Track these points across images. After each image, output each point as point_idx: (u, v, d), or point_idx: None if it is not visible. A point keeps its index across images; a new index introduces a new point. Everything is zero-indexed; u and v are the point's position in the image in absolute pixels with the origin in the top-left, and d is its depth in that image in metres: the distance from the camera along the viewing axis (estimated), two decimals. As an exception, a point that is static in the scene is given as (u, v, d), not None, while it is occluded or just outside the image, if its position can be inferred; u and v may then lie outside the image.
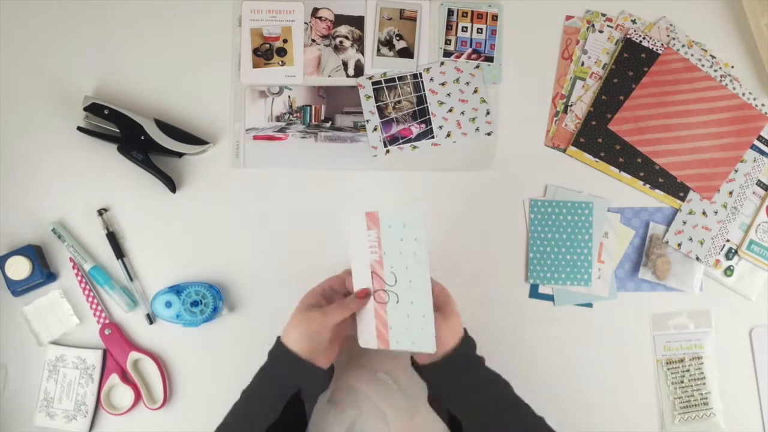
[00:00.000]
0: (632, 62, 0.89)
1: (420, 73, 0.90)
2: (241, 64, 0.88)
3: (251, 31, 0.88)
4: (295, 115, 0.88)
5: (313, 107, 0.89)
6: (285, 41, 0.88)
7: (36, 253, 0.82)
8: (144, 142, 0.84)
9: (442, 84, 0.89)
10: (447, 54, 0.90)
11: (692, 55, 0.89)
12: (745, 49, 0.91)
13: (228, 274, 0.86)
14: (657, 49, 0.89)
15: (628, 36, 0.90)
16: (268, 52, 0.88)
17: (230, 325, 0.85)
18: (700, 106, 0.89)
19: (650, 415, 0.86)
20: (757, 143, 0.89)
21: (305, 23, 0.89)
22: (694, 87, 0.89)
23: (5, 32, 0.88)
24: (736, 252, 0.88)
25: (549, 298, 0.87)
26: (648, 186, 0.88)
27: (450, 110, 0.89)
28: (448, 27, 0.90)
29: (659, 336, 0.87)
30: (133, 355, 0.83)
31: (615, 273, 0.87)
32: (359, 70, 0.89)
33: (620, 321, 0.87)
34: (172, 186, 0.85)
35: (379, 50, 0.89)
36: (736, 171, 0.88)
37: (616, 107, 0.89)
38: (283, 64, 0.88)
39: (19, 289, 0.82)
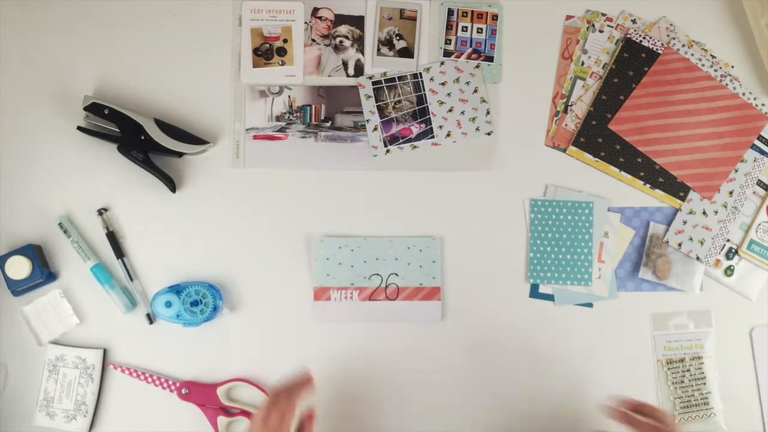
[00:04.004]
0: (632, 62, 0.89)
1: (420, 73, 0.90)
2: (241, 64, 0.88)
3: (251, 30, 0.88)
4: (295, 114, 0.88)
5: (313, 107, 0.89)
6: (285, 41, 0.88)
7: (36, 253, 0.82)
8: (144, 141, 0.83)
9: (442, 84, 0.89)
10: (447, 54, 0.90)
11: (692, 55, 0.89)
12: (745, 49, 0.91)
13: (228, 274, 0.86)
14: (657, 49, 0.89)
15: (628, 36, 0.90)
16: (268, 51, 0.88)
17: (231, 325, 0.85)
18: (701, 106, 0.89)
19: (650, 415, 0.86)
20: (757, 143, 0.89)
21: (305, 23, 0.89)
22: (694, 87, 0.89)
23: (5, 32, 0.88)
24: (736, 252, 0.88)
25: (549, 298, 0.87)
26: (648, 186, 0.88)
27: (450, 110, 0.89)
28: (448, 27, 0.90)
29: (659, 336, 0.87)
30: (221, 389, 0.82)
31: (615, 273, 0.87)
32: (359, 70, 0.89)
33: (620, 321, 0.87)
34: (172, 186, 0.85)
35: (379, 50, 0.89)
36: (736, 171, 0.88)
37: (617, 107, 0.89)
38: (283, 63, 0.88)
39: (19, 289, 0.82)
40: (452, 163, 0.88)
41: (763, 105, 0.89)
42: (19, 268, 0.81)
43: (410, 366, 0.85)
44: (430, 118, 0.89)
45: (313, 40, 0.89)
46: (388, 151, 0.88)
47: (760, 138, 0.89)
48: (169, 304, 0.82)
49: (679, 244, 0.87)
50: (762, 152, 0.89)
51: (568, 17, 0.91)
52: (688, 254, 0.87)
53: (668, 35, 0.90)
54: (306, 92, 0.89)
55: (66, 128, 0.85)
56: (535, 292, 0.87)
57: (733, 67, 0.90)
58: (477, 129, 0.89)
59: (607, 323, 0.87)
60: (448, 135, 0.89)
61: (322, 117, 0.89)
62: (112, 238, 0.85)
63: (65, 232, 0.84)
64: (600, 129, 0.89)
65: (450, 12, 0.90)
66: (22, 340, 0.84)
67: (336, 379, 0.85)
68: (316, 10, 0.89)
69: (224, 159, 0.87)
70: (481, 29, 0.90)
